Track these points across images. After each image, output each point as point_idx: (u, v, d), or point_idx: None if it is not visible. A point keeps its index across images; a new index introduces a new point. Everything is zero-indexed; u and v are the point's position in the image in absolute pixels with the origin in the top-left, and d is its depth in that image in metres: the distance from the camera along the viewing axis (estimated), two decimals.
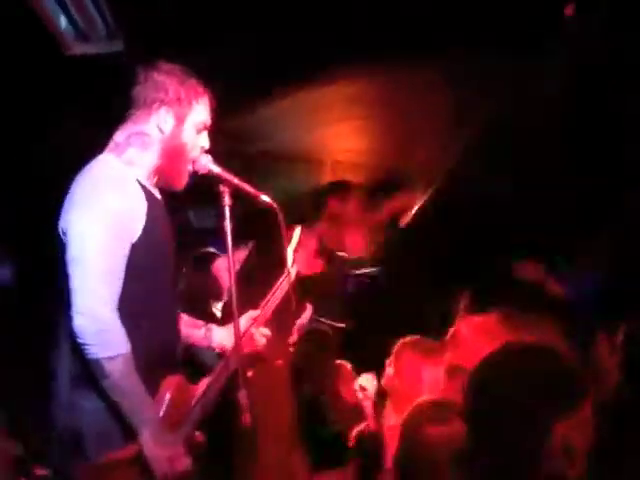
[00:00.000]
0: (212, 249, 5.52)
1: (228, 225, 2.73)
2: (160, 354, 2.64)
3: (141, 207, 2.58)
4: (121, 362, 2.41)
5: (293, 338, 4.23)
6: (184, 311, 3.03)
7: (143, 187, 2.65)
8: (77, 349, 2.43)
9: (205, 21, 3.90)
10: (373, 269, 6.52)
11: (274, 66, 4.31)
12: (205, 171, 2.78)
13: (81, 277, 2.44)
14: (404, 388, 3.46)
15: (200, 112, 2.74)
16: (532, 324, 3.23)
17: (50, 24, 3.70)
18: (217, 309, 5.09)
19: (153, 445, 2.44)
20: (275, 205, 2.85)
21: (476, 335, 3.20)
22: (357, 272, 6.43)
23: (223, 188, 2.76)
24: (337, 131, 5.44)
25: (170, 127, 2.67)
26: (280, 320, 3.72)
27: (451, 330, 3.46)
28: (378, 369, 3.91)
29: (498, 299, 3.68)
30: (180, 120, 2.69)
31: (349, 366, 4.98)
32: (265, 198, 2.87)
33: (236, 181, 2.80)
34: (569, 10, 3.68)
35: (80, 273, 2.44)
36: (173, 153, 2.70)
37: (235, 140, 5.40)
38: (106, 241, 2.46)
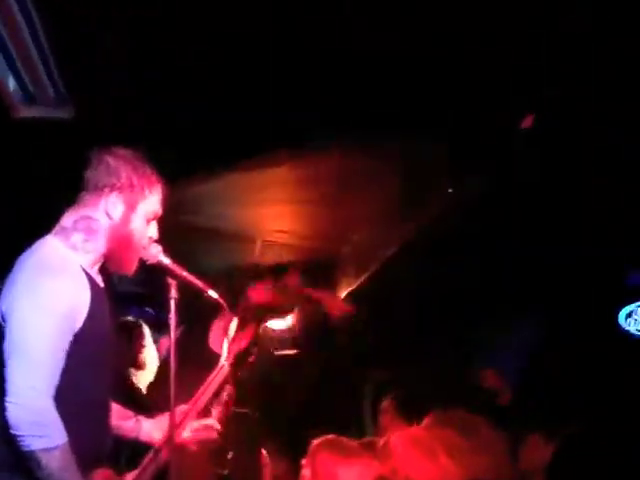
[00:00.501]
0: (132, 318, 5.50)
1: (173, 318, 2.63)
2: (92, 446, 2.52)
3: (84, 296, 2.47)
4: (59, 454, 2.29)
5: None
6: None
7: (87, 274, 2.53)
8: (10, 439, 2.29)
9: (153, 92, 3.84)
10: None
11: (218, 142, 4.26)
12: (154, 261, 2.68)
13: (19, 366, 2.31)
14: None
15: (152, 202, 2.66)
16: (467, 424, 3.24)
17: None
18: (135, 376, 5.08)
19: None
20: (222, 301, 2.79)
21: (408, 447, 3.17)
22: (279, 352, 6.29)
23: (171, 280, 2.67)
24: (271, 212, 5.40)
25: (119, 213, 2.58)
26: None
27: (382, 440, 3.40)
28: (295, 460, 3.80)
29: (428, 403, 3.66)
30: (130, 207, 2.60)
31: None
32: (212, 293, 2.81)
33: (185, 274, 2.71)
34: (528, 121, 3.74)
35: (18, 362, 2.31)
36: (121, 240, 2.59)
37: (170, 211, 5.28)
38: (48, 331, 2.35)
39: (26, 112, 3.95)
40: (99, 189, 2.56)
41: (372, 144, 4.15)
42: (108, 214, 2.56)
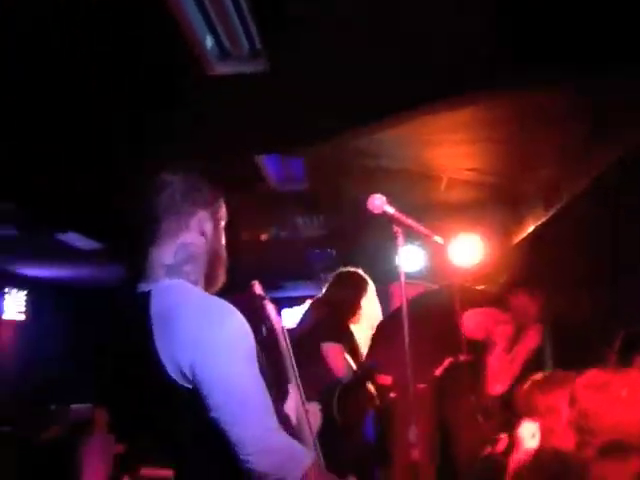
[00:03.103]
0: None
1: (402, 264, 2.83)
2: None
3: (244, 320, 2.29)
4: (314, 468, 2.20)
5: (439, 370, 4.34)
6: None
7: None
8: None
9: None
10: None
11: (404, 86, 4.34)
12: (380, 211, 2.86)
13: (242, 413, 2.11)
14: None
15: (223, 209, 2.52)
16: None
17: (195, 43, 3.71)
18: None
19: None
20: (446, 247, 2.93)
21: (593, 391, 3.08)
22: None
23: (397, 229, 2.86)
24: (457, 151, 5.48)
25: (210, 230, 2.42)
26: (432, 348, 3.82)
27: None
28: None
29: None
30: (217, 220, 2.47)
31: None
32: (438, 239, 2.95)
33: (409, 222, 2.89)
34: None
35: (239, 410, 2.11)
36: (215, 256, 2.45)
37: (359, 155, 5.53)
38: (248, 369, 2.18)
39: (221, 68, 4.01)
40: (185, 212, 2.37)
41: (562, 81, 4.13)
42: (202, 233, 2.40)
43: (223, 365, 2.11)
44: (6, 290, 10.47)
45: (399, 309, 4.70)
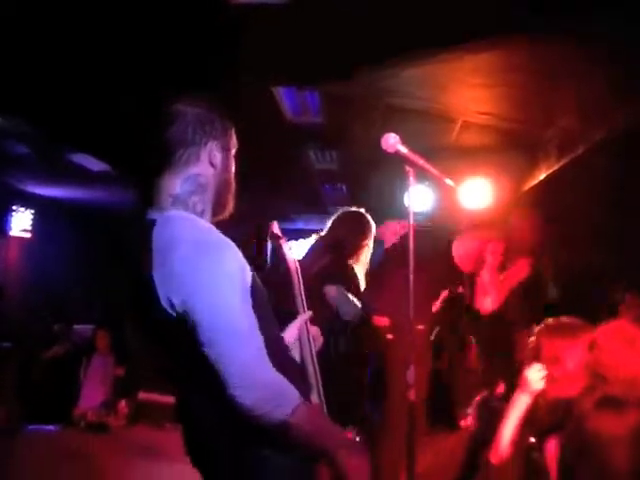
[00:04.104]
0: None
1: (411, 203, 2.86)
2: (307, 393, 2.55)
3: (240, 255, 2.31)
4: (304, 411, 2.17)
5: (436, 307, 4.36)
6: None
7: None
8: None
9: None
10: None
11: (429, 27, 4.32)
12: (393, 150, 2.84)
13: (231, 348, 2.12)
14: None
15: (234, 139, 2.55)
16: None
17: None
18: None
19: (350, 457, 2.19)
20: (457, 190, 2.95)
21: (611, 338, 3.16)
22: None
23: (408, 168, 2.86)
24: (474, 94, 5.45)
25: (219, 160, 2.45)
26: (427, 288, 3.86)
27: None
28: None
29: None
30: (227, 151, 2.50)
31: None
32: (449, 182, 2.97)
33: (421, 162, 2.88)
34: None
35: (228, 344, 2.12)
36: (224, 185, 2.49)
37: (376, 93, 5.51)
38: (241, 304, 2.19)
39: None
40: (195, 143, 2.40)
41: (584, 31, 4.09)
42: (212, 164, 2.42)
43: (212, 298, 2.13)
44: (14, 208, 10.53)
45: (391, 250, 4.75)
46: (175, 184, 2.34)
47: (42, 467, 5.93)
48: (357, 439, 4.17)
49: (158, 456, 6.21)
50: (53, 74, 5.16)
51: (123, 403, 8.38)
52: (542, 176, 5.95)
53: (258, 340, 2.16)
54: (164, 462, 5.80)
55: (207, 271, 2.14)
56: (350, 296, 4.60)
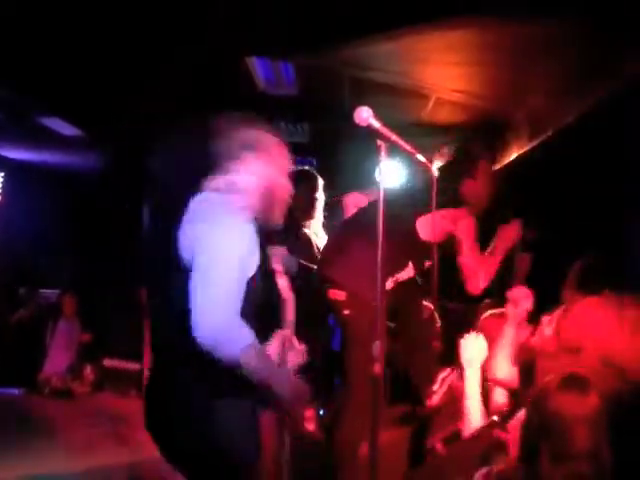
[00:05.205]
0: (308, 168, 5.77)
1: (381, 180, 2.85)
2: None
3: (257, 249, 2.88)
4: (252, 351, 2.66)
5: (389, 285, 4.34)
6: None
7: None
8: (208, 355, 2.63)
9: None
10: None
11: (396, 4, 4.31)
12: (365, 124, 2.81)
13: (208, 289, 2.66)
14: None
15: (282, 155, 3.05)
16: None
17: None
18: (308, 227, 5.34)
19: (290, 390, 2.77)
20: (428, 164, 2.96)
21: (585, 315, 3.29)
22: None
23: (380, 143, 2.85)
24: (448, 72, 5.43)
25: (261, 172, 2.97)
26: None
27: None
28: None
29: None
30: (270, 164, 2.99)
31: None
32: (421, 157, 2.96)
33: (394, 137, 2.87)
34: None
35: (209, 286, 2.66)
36: (268, 195, 2.99)
37: (350, 66, 5.49)
38: (236, 265, 2.73)
39: None
40: (238, 158, 2.94)
41: (557, 13, 4.09)
42: (254, 174, 2.95)
43: (210, 255, 2.67)
44: None
45: (351, 220, 4.72)
46: (218, 183, 2.95)
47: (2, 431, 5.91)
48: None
49: (122, 424, 6.23)
50: (24, 35, 5.08)
51: (88, 369, 8.38)
52: (513, 156, 5.97)
53: (234, 296, 2.69)
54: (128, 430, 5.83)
55: (216, 233, 2.72)
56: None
